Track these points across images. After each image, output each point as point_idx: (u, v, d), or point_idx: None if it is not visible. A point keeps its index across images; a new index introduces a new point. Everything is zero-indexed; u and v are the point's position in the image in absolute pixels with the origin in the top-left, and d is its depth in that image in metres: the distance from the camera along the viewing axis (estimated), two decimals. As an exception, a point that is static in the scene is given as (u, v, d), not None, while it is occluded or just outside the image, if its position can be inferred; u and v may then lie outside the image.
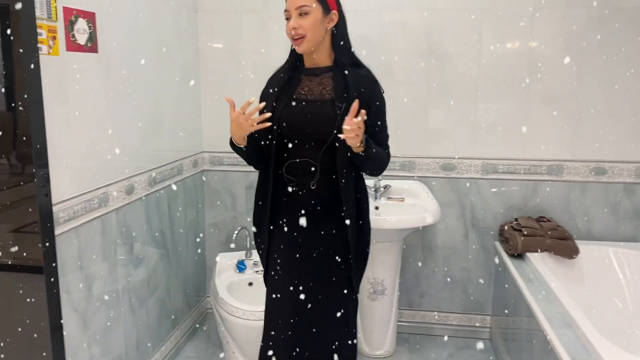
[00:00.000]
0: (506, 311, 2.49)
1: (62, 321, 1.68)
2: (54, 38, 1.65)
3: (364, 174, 1.80)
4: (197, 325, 2.91)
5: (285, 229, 1.77)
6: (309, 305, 1.76)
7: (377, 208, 2.58)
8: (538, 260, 2.36)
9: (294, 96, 1.71)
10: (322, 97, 1.69)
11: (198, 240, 2.91)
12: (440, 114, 2.69)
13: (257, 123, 1.60)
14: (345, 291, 1.80)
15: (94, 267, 1.91)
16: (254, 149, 1.73)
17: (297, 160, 1.71)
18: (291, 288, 1.76)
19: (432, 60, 2.65)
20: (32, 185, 1.56)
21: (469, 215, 2.76)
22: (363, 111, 1.53)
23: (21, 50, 1.47)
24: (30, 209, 1.57)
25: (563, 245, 2.43)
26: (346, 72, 1.67)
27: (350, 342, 1.84)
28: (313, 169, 1.70)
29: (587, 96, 2.57)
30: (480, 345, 2.75)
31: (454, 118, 2.68)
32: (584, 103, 2.57)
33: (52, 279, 1.61)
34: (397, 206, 2.62)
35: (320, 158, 1.68)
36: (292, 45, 1.72)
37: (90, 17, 1.83)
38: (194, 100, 2.78)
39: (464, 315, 2.86)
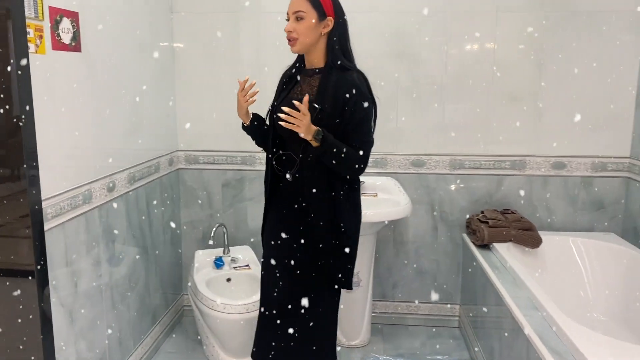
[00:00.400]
0: (474, 297, 2.62)
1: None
2: (41, 37, 1.67)
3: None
4: (176, 322, 2.94)
5: (274, 213, 1.92)
6: (290, 292, 1.86)
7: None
8: (504, 249, 2.50)
9: (289, 95, 1.84)
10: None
11: (175, 237, 2.94)
12: (410, 113, 2.81)
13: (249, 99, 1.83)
14: (322, 286, 1.87)
15: (79, 263, 1.93)
16: (255, 130, 1.93)
17: (282, 153, 1.86)
18: (275, 272, 1.89)
19: (402, 62, 2.77)
20: (22, 183, 1.58)
21: (437, 209, 2.89)
22: (306, 98, 1.65)
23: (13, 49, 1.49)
24: (20, 202, 1.59)
25: (527, 235, 2.59)
26: (332, 75, 1.77)
27: (328, 318, 1.94)
28: (293, 162, 1.82)
29: (546, 95, 2.73)
30: (447, 330, 2.89)
31: (423, 117, 2.80)
32: (543, 102, 2.74)
33: (42, 274, 1.64)
34: (371, 201, 2.72)
35: (301, 152, 1.78)
36: None
37: (74, 17, 1.86)
38: (170, 100, 2.81)
39: (435, 305, 2.99)
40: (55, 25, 1.75)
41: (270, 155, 1.90)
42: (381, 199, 2.73)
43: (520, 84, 2.74)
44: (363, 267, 2.69)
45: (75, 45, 1.88)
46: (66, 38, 1.82)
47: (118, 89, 2.20)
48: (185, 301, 3.08)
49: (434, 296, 2.98)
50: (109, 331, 2.17)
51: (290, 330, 1.88)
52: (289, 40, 1.77)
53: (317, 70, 1.82)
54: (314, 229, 1.80)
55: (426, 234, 2.93)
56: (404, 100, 2.80)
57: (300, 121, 1.64)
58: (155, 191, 2.65)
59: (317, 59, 1.82)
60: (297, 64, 1.89)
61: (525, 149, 2.79)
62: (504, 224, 2.61)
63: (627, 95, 2.70)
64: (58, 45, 1.77)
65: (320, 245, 1.81)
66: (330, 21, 1.77)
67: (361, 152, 1.79)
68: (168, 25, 2.78)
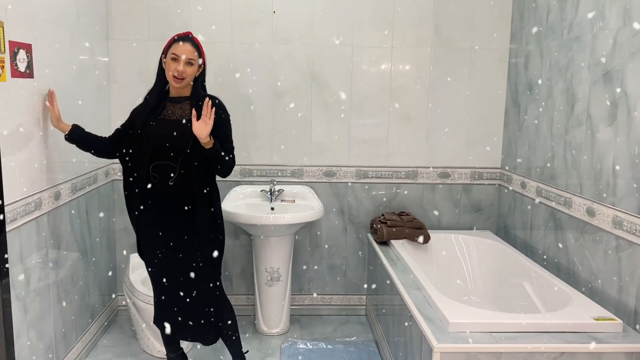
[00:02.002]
0: (376, 287, 3.10)
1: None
2: (2, 67, 1.96)
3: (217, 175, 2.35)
4: (111, 320, 3.21)
5: (151, 214, 2.30)
6: (176, 277, 2.33)
7: (272, 209, 3.08)
8: (399, 245, 2.99)
9: (160, 117, 2.26)
10: (182, 118, 2.25)
11: (110, 242, 3.21)
12: (322, 130, 3.27)
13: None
14: (201, 265, 2.32)
15: (30, 262, 2.20)
16: (84, 140, 2.34)
17: (160, 163, 2.24)
18: (156, 261, 2.33)
19: (315, 86, 3.23)
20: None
21: (346, 213, 3.36)
22: (213, 110, 2.13)
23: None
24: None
25: (418, 233, 3.10)
26: (200, 101, 2.23)
27: (217, 292, 2.37)
28: (173, 170, 2.23)
29: (434, 115, 3.29)
30: (355, 318, 3.36)
31: (333, 133, 3.27)
32: (432, 121, 3.29)
33: (5, 271, 1.91)
34: (289, 206, 3.14)
35: (180, 161, 2.22)
36: (160, 73, 2.27)
37: (28, 48, 2.15)
38: (107, 118, 3.10)
39: (345, 296, 3.45)
40: (14, 56, 2.04)
41: (142, 166, 2.25)
42: (298, 204, 3.16)
43: (413, 107, 3.27)
44: (282, 264, 3.10)
45: (29, 73, 2.17)
46: (22, 67, 2.11)
47: (63, 108, 2.48)
48: (120, 301, 3.34)
49: (344, 289, 3.44)
50: (55, 324, 2.44)
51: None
52: (178, 78, 2.18)
53: (184, 98, 2.27)
54: (195, 220, 2.26)
55: (337, 235, 3.38)
56: (317, 119, 3.25)
57: (210, 123, 2.11)
58: (94, 200, 2.92)
59: (184, 90, 2.28)
60: (163, 91, 2.29)
61: (417, 161, 3.33)
62: (399, 224, 3.11)
63: (497, 117, 3.31)
64: (16, 73, 2.06)
65: (201, 231, 2.26)
66: (202, 65, 2.26)
67: (231, 156, 2.32)
68: (105, 50, 3.07)
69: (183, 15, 3.11)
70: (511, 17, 3.22)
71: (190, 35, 2.25)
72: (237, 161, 3.20)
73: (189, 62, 2.19)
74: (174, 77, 2.19)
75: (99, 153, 2.42)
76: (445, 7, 3.19)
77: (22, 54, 2.10)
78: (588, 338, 1.97)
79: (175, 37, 2.23)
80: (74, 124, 2.34)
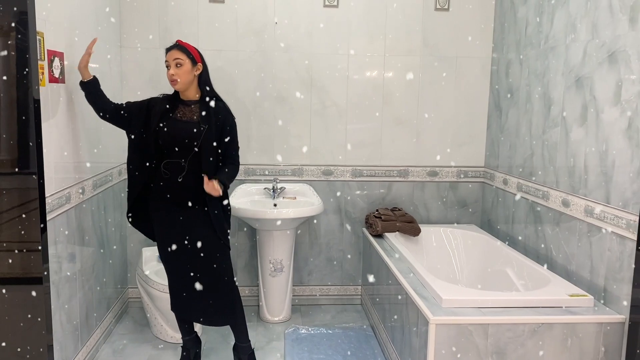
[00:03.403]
0: (371, 278, 3.35)
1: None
2: (42, 73, 2.18)
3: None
4: (123, 311, 3.41)
5: (163, 208, 2.52)
6: (190, 258, 2.53)
7: (275, 205, 3.32)
8: (393, 237, 3.26)
9: (172, 116, 2.50)
10: (192, 119, 2.49)
11: (123, 238, 3.42)
12: (321, 132, 3.52)
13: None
14: (216, 244, 2.54)
15: (62, 252, 2.41)
16: (97, 90, 2.52)
17: (171, 160, 2.47)
18: (173, 247, 2.53)
19: (313, 90, 3.48)
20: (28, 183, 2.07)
21: (343, 209, 3.61)
22: (216, 182, 2.38)
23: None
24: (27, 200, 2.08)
25: (410, 226, 3.37)
26: (209, 104, 2.49)
27: (226, 278, 2.59)
28: (182, 167, 2.47)
29: (423, 119, 3.57)
30: (352, 306, 3.61)
31: (330, 135, 3.53)
32: (421, 124, 3.57)
33: (44, 257, 2.12)
34: (291, 203, 3.38)
35: (188, 160, 2.46)
36: None
37: (60, 56, 2.37)
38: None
39: (342, 286, 3.70)
40: (50, 63, 2.26)
41: (149, 165, 2.51)
42: (299, 201, 3.40)
43: (404, 111, 3.55)
44: (285, 256, 3.33)
45: (62, 78, 2.39)
46: (57, 73, 2.33)
47: (87, 111, 2.70)
48: (131, 294, 3.55)
49: (341, 280, 3.69)
50: (80, 309, 2.65)
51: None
52: (172, 81, 2.43)
53: (194, 102, 2.50)
54: (206, 212, 2.49)
55: (335, 230, 3.64)
56: (315, 122, 3.51)
57: (217, 188, 2.38)
58: (109, 197, 3.13)
59: (191, 93, 2.50)
60: (177, 96, 2.53)
61: (408, 161, 3.60)
62: (393, 218, 3.37)
63: (481, 120, 3.60)
64: (52, 78, 2.28)
65: (211, 215, 2.49)
66: (200, 66, 2.48)
67: (236, 160, 2.59)
68: (118, 56, 3.30)
69: (191, 25, 3.35)
70: (493, 28, 3.52)
71: (176, 43, 2.49)
72: (242, 161, 3.45)
73: (178, 64, 2.41)
74: (170, 81, 2.44)
75: (101, 112, 2.55)
76: (433, 19, 3.48)
77: (56, 62, 2.32)
78: (564, 311, 2.25)
79: (166, 48, 2.48)
80: (94, 76, 2.53)
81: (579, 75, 2.54)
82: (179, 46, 2.47)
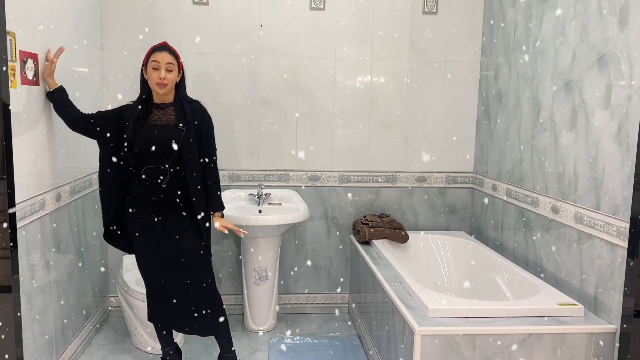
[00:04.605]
0: (359, 283, 3.28)
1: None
2: (14, 75, 2.10)
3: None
4: (103, 321, 3.31)
5: (145, 215, 2.44)
6: (172, 265, 2.47)
7: (260, 211, 3.24)
8: (380, 244, 3.19)
9: (148, 122, 2.43)
10: (168, 122, 2.43)
11: (104, 245, 3.32)
12: (307, 137, 3.46)
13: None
14: (200, 251, 2.50)
15: (35, 260, 2.32)
16: (64, 100, 2.45)
17: (151, 166, 2.40)
18: (151, 258, 2.48)
19: (299, 94, 3.42)
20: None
21: (330, 215, 3.54)
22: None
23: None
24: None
25: (397, 233, 3.30)
26: (184, 106, 2.44)
27: (210, 286, 2.53)
28: (163, 172, 2.40)
29: (411, 124, 3.51)
30: (339, 315, 3.53)
31: (317, 140, 3.46)
32: (409, 129, 3.51)
33: (14, 265, 2.03)
34: (276, 209, 3.30)
35: (170, 163, 2.39)
36: (143, 83, 2.45)
37: (34, 58, 2.29)
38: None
39: (328, 294, 3.62)
40: (23, 64, 2.18)
41: (124, 177, 2.45)
42: (284, 207, 3.33)
43: (391, 116, 3.49)
44: (270, 264, 3.26)
45: (35, 80, 2.30)
46: (30, 75, 2.25)
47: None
48: (111, 303, 3.45)
49: (328, 287, 3.61)
50: (55, 320, 2.55)
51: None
52: (161, 85, 2.36)
53: (168, 105, 2.44)
54: (191, 215, 2.44)
55: (321, 236, 3.56)
56: (301, 126, 3.44)
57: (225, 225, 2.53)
58: (89, 203, 3.05)
59: (167, 97, 2.45)
60: (147, 99, 2.45)
61: (396, 166, 3.54)
62: (380, 225, 3.31)
63: (470, 125, 3.55)
64: (25, 80, 2.20)
65: (200, 223, 2.46)
66: (181, 73, 2.45)
67: (214, 165, 2.55)
68: (99, 59, 3.22)
69: (174, 27, 3.28)
70: (482, 32, 3.47)
71: (166, 45, 2.43)
72: (226, 166, 3.41)
73: (169, 69, 2.37)
74: (158, 84, 2.36)
75: (71, 124, 2.49)
76: (421, 23, 3.43)
77: (30, 63, 2.24)
78: (553, 321, 2.19)
79: (154, 48, 2.41)
80: (61, 85, 2.46)
81: (568, 79, 2.49)
82: (171, 50, 2.42)
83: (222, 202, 2.58)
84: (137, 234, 2.48)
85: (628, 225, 2.04)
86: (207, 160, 2.53)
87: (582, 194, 2.38)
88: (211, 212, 2.54)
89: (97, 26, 3.18)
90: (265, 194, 3.35)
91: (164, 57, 2.37)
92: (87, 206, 3.02)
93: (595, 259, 2.28)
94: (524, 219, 2.89)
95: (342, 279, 3.62)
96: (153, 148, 2.38)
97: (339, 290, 3.62)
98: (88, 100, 3.03)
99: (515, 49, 3.02)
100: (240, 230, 2.61)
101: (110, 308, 3.45)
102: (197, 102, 2.53)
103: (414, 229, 3.57)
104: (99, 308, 3.26)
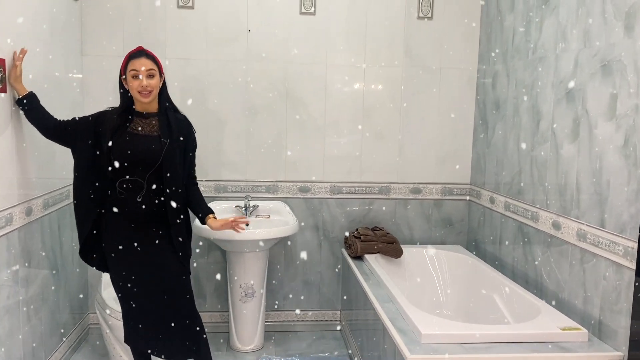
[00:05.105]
0: (350, 301, 3.12)
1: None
2: (-23, 81, 1.96)
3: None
4: (82, 339, 3.15)
5: (120, 231, 2.28)
6: (149, 284, 2.30)
7: (247, 224, 3.09)
8: (372, 259, 3.03)
9: (128, 130, 2.27)
10: (151, 133, 2.27)
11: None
12: (297, 146, 3.31)
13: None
14: (179, 271, 2.34)
15: (0, 279, 2.17)
16: (36, 107, 2.28)
17: (127, 179, 2.24)
18: (126, 277, 2.29)
19: (289, 102, 3.27)
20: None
21: (321, 228, 3.39)
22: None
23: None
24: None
25: (391, 247, 3.15)
26: (169, 117, 2.29)
27: (189, 306, 2.37)
28: (141, 186, 2.24)
29: (406, 132, 3.36)
30: (330, 333, 3.37)
31: (307, 149, 3.31)
32: (403, 138, 3.37)
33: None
34: (264, 222, 3.15)
35: (147, 177, 2.23)
36: (124, 93, 2.28)
37: (1, 63, 2.15)
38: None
39: (319, 311, 3.46)
40: (-13, 70, 2.04)
41: (100, 189, 2.28)
42: (273, 219, 3.18)
43: (385, 125, 3.34)
44: (257, 279, 3.10)
45: (2, 87, 2.16)
46: (-4, 81, 2.10)
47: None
48: (91, 319, 3.29)
49: (319, 304, 3.45)
50: (24, 343, 2.39)
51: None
52: (146, 93, 2.21)
53: (152, 114, 2.29)
54: (168, 234, 2.28)
55: (312, 250, 3.41)
56: (291, 136, 3.29)
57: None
58: (66, 216, 2.89)
59: (151, 105, 2.29)
60: (129, 108, 2.29)
61: (390, 178, 3.39)
62: (373, 239, 3.15)
63: (467, 134, 3.41)
64: (-11, 87, 2.05)
65: (175, 241, 2.29)
66: (163, 78, 2.30)
67: (195, 181, 2.46)
68: (79, 65, 3.07)
69: (158, 31, 3.14)
70: (479, 38, 3.34)
71: (143, 50, 2.28)
72: (212, 177, 3.27)
73: (150, 75, 2.22)
74: (141, 92, 2.21)
75: (44, 131, 2.32)
76: (415, 29, 3.29)
77: (-4, 69, 2.10)
78: (555, 347, 2.04)
79: (130, 55, 2.26)
80: (31, 91, 2.29)
81: (569, 87, 2.35)
82: (149, 55, 2.27)
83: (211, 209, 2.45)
84: (112, 253, 2.32)
85: (636, 245, 1.89)
86: (191, 178, 2.42)
87: (585, 210, 2.23)
88: (204, 217, 2.41)
89: (76, 31, 3.04)
90: (253, 206, 3.20)
91: (142, 63, 2.22)
92: (64, 219, 2.87)
93: (600, 280, 2.13)
94: (524, 234, 2.74)
95: (333, 295, 3.46)
96: (131, 159, 2.22)
97: (330, 307, 3.47)
98: (67, 107, 2.89)
99: (513, 56, 2.89)
100: (240, 222, 2.41)
101: (90, 325, 3.29)
102: (183, 115, 2.39)
103: (408, 243, 3.41)
104: (77, 325, 3.10)
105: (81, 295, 3.17)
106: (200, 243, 3.29)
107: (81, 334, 3.16)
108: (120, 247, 2.29)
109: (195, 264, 3.31)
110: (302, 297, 3.44)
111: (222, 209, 3.20)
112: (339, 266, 3.42)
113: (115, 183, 2.26)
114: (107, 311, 2.78)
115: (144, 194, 2.24)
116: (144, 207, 2.24)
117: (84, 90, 3.13)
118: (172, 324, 2.33)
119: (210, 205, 3.14)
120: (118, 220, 2.27)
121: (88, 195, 2.29)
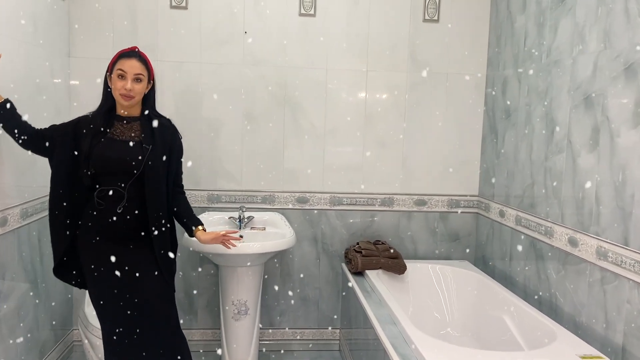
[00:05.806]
0: (350, 321, 2.93)
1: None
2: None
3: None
4: (65, 357, 2.96)
5: (98, 244, 2.09)
6: (130, 301, 2.10)
7: (241, 237, 2.91)
8: (374, 276, 2.85)
9: (107, 135, 2.09)
10: (132, 138, 2.09)
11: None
12: (295, 155, 3.13)
13: None
14: (162, 288, 2.16)
15: (-32, 296, 1.99)
16: (12, 115, 2.04)
17: (106, 188, 2.06)
18: (107, 294, 2.11)
19: (287, 108, 3.10)
20: None
21: (320, 241, 3.21)
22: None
23: None
24: None
25: (394, 263, 2.96)
26: (153, 122, 2.11)
27: (173, 326, 2.19)
28: (121, 195, 2.06)
29: (410, 142, 3.18)
30: (329, 353, 3.17)
31: (306, 158, 3.14)
32: (408, 147, 3.19)
33: None
34: (259, 234, 2.97)
35: (128, 186, 2.05)
36: (108, 93, 2.11)
37: (-26, 62, 1.99)
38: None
39: (317, 330, 3.27)
40: (-45, 69, 1.87)
41: (78, 200, 2.11)
42: (268, 232, 2.99)
43: (388, 133, 3.17)
44: (250, 296, 2.90)
45: (-27, 89, 1.99)
46: (-35, 82, 1.93)
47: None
48: (75, 336, 3.10)
49: (317, 322, 3.26)
50: (-4, 364, 2.21)
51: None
52: (127, 97, 2.05)
53: (134, 118, 2.13)
54: (151, 247, 2.11)
55: (310, 264, 3.22)
56: (289, 144, 3.12)
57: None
58: (47, 227, 2.70)
59: (134, 109, 2.13)
60: (110, 110, 2.13)
61: (393, 188, 3.21)
62: (375, 254, 2.97)
63: (475, 143, 3.22)
64: (-42, 88, 1.89)
65: (157, 255, 2.11)
66: (151, 83, 2.13)
67: (183, 189, 2.30)
68: (66, 67, 2.91)
69: (150, 33, 2.98)
70: (488, 41, 3.16)
71: (137, 50, 2.12)
72: (204, 186, 3.10)
73: (137, 79, 2.07)
74: (122, 95, 2.05)
75: (21, 139, 2.10)
76: (421, 32, 3.12)
77: (-35, 68, 1.93)
78: (574, 378, 1.84)
79: (122, 53, 2.10)
80: (7, 99, 2.07)
81: (588, 93, 2.17)
82: (142, 58, 2.11)
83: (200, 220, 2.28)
84: (90, 271, 2.13)
85: (666, 267, 1.70)
86: (177, 187, 2.25)
87: (606, 226, 2.04)
88: (193, 228, 2.23)
89: (63, 33, 2.88)
90: (248, 218, 3.02)
91: (132, 65, 2.06)
92: (45, 230, 2.67)
93: (623, 303, 1.94)
94: (536, 251, 2.55)
95: (332, 313, 3.26)
96: (110, 166, 2.05)
97: (329, 325, 3.27)
98: (52, 112, 2.73)
99: (525, 60, 2.71)
100: (232, 237, 2.24)
101: (74, 342, 3.11)
102: (166, 120, 2.21)
103: (412, 258, 3.22)
104: (59, 343, 2.91)
105: (64, 308, 2.99)
106: (191, 249, 3.11)
107: (64, 351, 2.97)
108: (100, 264, 2.10)
109: (185, 276, 3.13)
110: (299, 315, 3.25)
111: (214, 221, 3.02)
112: (338, 282, 3.23)
113: (94, 193, 2.08)
114: (89, 329, 2.60)
115: (125, 204, 2.06)
116: (123, 218, 2.06)
117: (72, 95, 2.97)
118: (154, 345, 2.15)
119: (203, 216, 2.99)
120: (97, 233, 2.09)
121: (65, 205, 2.10)
